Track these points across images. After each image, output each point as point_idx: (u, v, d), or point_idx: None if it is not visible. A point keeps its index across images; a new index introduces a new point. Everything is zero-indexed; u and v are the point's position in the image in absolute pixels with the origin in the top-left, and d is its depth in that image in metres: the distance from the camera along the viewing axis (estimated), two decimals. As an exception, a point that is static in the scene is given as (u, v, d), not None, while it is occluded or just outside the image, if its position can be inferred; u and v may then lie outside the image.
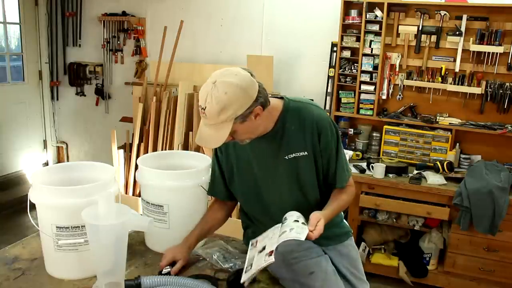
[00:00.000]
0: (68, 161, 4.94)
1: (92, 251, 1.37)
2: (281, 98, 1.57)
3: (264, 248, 1.34)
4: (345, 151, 3.37)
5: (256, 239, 1.44)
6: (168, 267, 1.51)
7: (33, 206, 1.44)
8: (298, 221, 1.38)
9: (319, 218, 1.40)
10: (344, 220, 1.80)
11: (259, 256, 1.34)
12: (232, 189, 1.67)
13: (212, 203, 1.75)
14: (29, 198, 1.44)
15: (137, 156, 3.73)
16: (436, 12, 3.23)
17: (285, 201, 1.58)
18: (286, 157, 1.54)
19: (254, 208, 1.67)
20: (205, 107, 1.34)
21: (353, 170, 3.19)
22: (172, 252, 1.57)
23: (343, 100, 3.54)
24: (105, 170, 1.62)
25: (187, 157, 1.87)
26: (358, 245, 3.29)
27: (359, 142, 3.57)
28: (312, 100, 1.72)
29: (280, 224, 1.41)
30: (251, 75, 1.39)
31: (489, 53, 3.14)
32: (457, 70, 3.24)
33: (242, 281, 1.34)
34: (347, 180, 1.62)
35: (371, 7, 3.34)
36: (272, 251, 1.29)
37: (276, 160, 1.55)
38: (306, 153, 1.54)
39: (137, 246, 1.71)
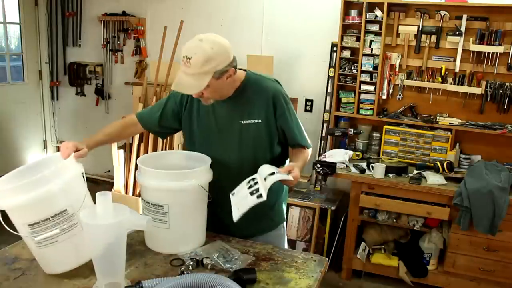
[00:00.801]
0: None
1: (91, 251, 1.37)
2: (244, 70, 1.79)
3: (251, 193, 1.52)
4: (345, 151, 3.39)
5: (233, 191, 1.62)
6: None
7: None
8: (274, 172, 1.56)
9: (293, 166, 1.63)
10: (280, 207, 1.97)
11: (247, 199, 1.51)
12: (189, 134, 1.84)
13: (128, 119, 1.91)
14: None
15: (137, 156, 3.73)
16: (436, 12, 3.23)
17: (233, 159, 1.77)
18: (242, 122, 1.75)
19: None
20: (191, 57, 1.52)
21: (353, 170, 3.19)
22: (73, 143, 1.63)
23: (343, 100, 3.54)
24: (58, 159, 1.58)
25: (187, 157, 1.87)
26: (358, 245, 3.29)
27: (359, 142, 3.57)
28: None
29: (252, 177, 1.60)
30: None
31: (489, 53, 3.14)
32: (457, 70, 3.24)
33: (235, 219, 1.50)
34: (304, 143, 1.83)
35: (371, 7, 3.34)
36: (261, 194, 1.48)
37: (232, 123, 1.76)
38: (259, 120, 1.75)
39: (137, 246, 1.71)
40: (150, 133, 3.76)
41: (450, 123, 3.30)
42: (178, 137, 3.65)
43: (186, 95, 1.81)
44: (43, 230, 1.42)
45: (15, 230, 1.47)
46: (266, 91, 1.75)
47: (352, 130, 3.50)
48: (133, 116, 1.91)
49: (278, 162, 1.84)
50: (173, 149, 3.64)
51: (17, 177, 1.57)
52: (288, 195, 2.09)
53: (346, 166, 3.24)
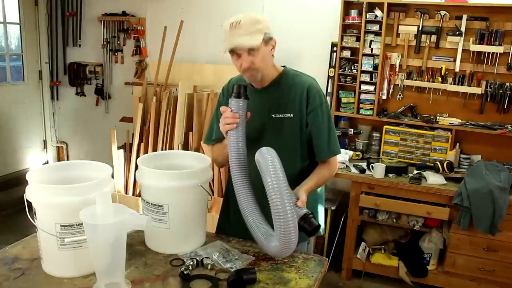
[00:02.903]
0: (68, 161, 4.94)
1: (91, 251, 1.37)
2: (283, 67, 1.77)
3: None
4: (345, 151, 3.38)
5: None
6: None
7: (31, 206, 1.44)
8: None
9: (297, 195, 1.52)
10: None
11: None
12: None
13: (213, 148, 1.88)
14: (25, 197, 1.43)
15: (137, 156, 3.73)
16: (436, 12, 3.23)
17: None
18: (273, 115, 1.69)
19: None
20: (239, 20, 1.55)
21: (353, 170, 3.19)
22: None
23: (343, 100, 3.54)
24: (101, 168, 1.62)
25: (187, 157, 1.87)
26: (358, 245, 3.29)
27: (359, 142, 3.57)
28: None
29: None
30: None
31: (489, 53, 3.14)
32: (457, 70, 3.24)
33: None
34: (328, 156, 1.71)
35: (371, 7, 3.34)
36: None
37: (262, 116, 1.69)
38: (291, 115, 1.68)
39: (137, 246, 1.71)
40: (149, 133, 3.77)
41: (450, 123, 3.30)
42: (178, 137, 3.65)
43: (228, 94, 1.76)
44: (73, 233, 1.44)
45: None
46: (302, 85, 1.71)
47: (352, 130, 3.50)
48: (212, 147, 1.88)
49: (306, 164, 1.75)
50: (173, 149, 3.64)
51: (55, 171, 1.63)
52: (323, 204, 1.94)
53: (346, 166, 3.24)
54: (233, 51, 1.60)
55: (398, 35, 3.37)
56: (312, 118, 1.69)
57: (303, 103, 1.68)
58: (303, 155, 1.74)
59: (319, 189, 1.87)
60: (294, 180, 1.67)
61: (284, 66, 1.77)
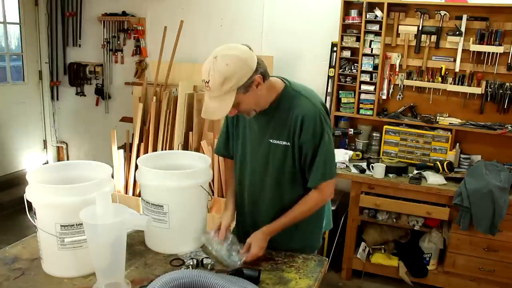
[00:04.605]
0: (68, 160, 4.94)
1: (91, 251, 1.37)
2: (285, 82, 1.64)
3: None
4: (345, 151, 3.37)
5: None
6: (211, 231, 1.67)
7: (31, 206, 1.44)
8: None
9: (249, 243, 1.59)
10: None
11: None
12: (236, 147, 1.79)
13: (225, 163, 1.94)
14: (25, 197, 1.43)
15: (137, 156, 3.73)
16: (436, 12, 3.23)
17: (257, 179, 1.70)
18: (271, 141, 1.63)
19: (239, 174, 1.78)
20: (209, 80, 1.42)
21: (353, 170, 3.18)
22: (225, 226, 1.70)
23: (343, 100, 3.54)
24: (101, 168, 1.62)
25: (187, 157, 1.87)
26: (358, 245, 3.29)
27: (359, 142, 3.57)
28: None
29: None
30: (249, 48, 1.50)
31: (489, 53, 3.14)
32: (457, 70, 3.24)
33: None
34: (318, 182, 1.61)
35: (371, 7, 3.34)
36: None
37: (262, 140, 1.65)
38: (288, 143, 1.61)
39: (137, 246, 1.71)
40: (149, 133, 3.77)
41: (450, 123, 3.30)
42: (178, 137, 3.65)
43: None
44: (73, 234, 1.44)
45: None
46: (297, 112, 1.56)
47: (352, 130, 3.50)
48: (224, 159, 1.93)
49: (303, 191, 1.68)
50: (173, 149, 3.64)
51: (55, 171, 1.63)
52: (330, 223, 1.91)
53: (346, 166, 3.24)
54: None
55: (398, 35, 3.37)
56: (305, 148, 1.59)
57: (297, 132, 1.57)
58: (302, 183, 1.67)
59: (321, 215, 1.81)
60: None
61: (284, 80, 1.64)
